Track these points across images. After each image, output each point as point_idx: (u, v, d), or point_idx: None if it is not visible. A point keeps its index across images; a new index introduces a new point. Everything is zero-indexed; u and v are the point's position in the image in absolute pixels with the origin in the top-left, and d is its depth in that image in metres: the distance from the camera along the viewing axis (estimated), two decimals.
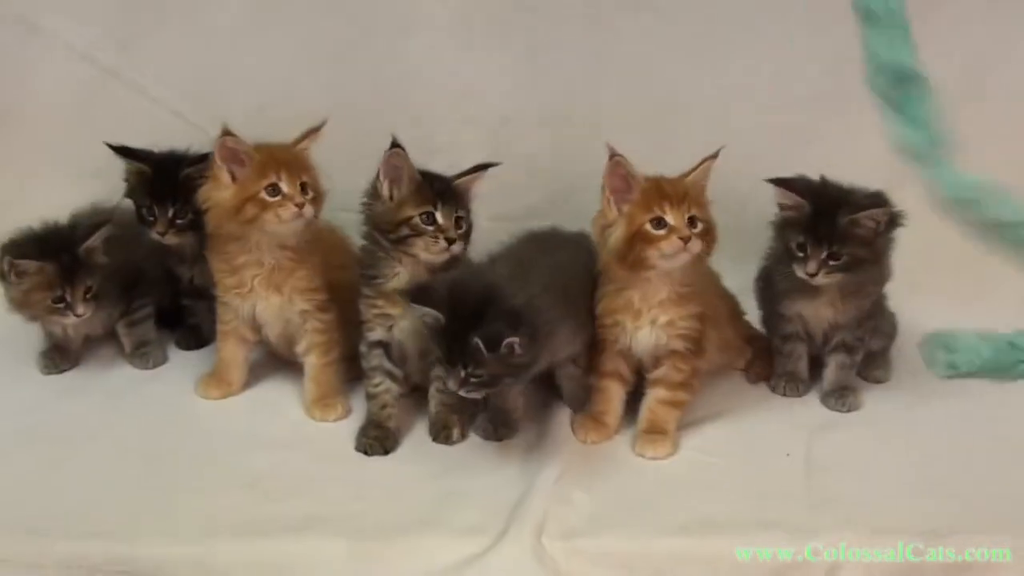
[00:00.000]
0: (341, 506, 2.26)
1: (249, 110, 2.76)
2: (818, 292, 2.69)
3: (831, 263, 2.59)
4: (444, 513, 2.25)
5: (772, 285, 2.82)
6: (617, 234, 2.41)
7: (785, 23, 3.13)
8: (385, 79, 3.17)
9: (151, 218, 2.79)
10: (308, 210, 2.50)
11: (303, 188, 2.51)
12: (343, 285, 2.68)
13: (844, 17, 2.98)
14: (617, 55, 3.17)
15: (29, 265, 2.65)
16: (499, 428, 2.55)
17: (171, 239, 2.82)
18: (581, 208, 2.53)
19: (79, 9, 3.09)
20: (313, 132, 2.57)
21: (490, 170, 2.55)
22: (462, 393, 2.28)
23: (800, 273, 2.62)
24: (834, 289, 2.68)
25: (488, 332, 2.19)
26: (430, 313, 2.27)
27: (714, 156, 2.44)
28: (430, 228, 2.45)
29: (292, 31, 3.13)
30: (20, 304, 2.72)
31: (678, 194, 2.39)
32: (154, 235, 2.81)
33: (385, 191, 2.48)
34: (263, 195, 2.47)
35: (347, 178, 2.61)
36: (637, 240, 2.38)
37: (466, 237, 2.52)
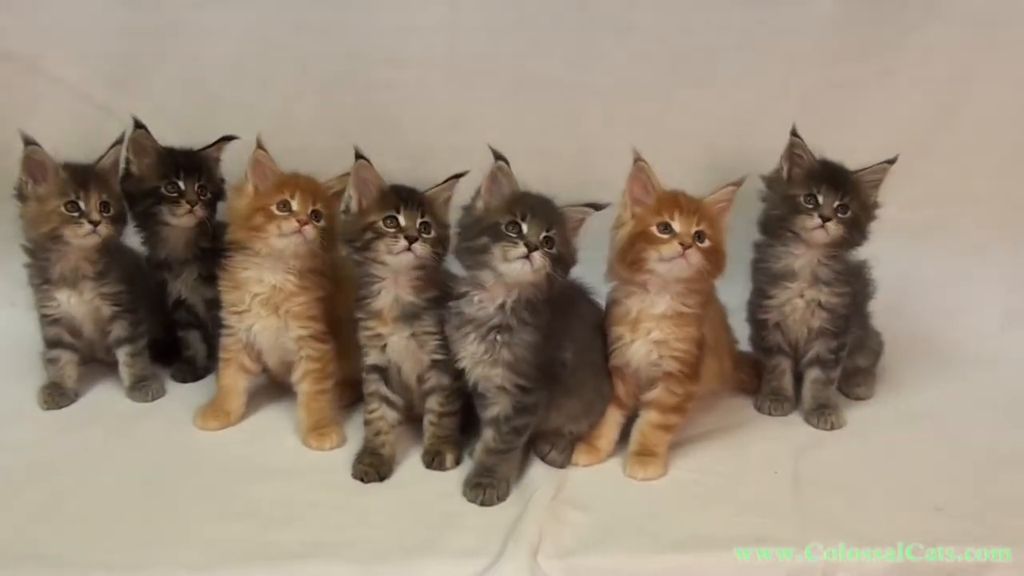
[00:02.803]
0: (341, 532, 2.31)
1: (245, 144, 2.82)
2: (794, 276, 2.76)
3: (839, 215, 2.66)
4: (442, 537, 2.30)
5: (758, 294, 2.87)
6: (623, 232, 2.48)
7: (769, 44, 3.20)
8: (377, 111, 3.22)
9: (174, 194, 2.82)
10: (309, 231, 2.57)
11: (315, 215, 2.58)
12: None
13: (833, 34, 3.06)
14: (602, 80, 3.23)
15: (44, 158, 2.62)
16: (487, 491, 2.45)
17: (199, 214, 2.83)
18: None
19: (77, 48, 3.14)
20: (345, 176, 2.57)
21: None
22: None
23: (811, 223, 2.66)
24: (808, 272, 2.74)
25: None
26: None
27: (738, 183, 2.48)
28: (391, 230, 2.45)
29: (286, 65, 3.20)
30: (35, 218, 2.65)
31: (691, 207, 2.44)
32: (178, 213, 2.82)
33: (354, 203, 2.50)
34: (273, 208, 2.57)
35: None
36: (640, 240, 2.43)
37: (438, 243, 2.49)
